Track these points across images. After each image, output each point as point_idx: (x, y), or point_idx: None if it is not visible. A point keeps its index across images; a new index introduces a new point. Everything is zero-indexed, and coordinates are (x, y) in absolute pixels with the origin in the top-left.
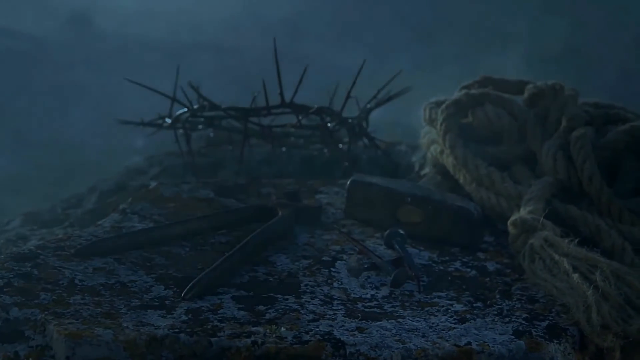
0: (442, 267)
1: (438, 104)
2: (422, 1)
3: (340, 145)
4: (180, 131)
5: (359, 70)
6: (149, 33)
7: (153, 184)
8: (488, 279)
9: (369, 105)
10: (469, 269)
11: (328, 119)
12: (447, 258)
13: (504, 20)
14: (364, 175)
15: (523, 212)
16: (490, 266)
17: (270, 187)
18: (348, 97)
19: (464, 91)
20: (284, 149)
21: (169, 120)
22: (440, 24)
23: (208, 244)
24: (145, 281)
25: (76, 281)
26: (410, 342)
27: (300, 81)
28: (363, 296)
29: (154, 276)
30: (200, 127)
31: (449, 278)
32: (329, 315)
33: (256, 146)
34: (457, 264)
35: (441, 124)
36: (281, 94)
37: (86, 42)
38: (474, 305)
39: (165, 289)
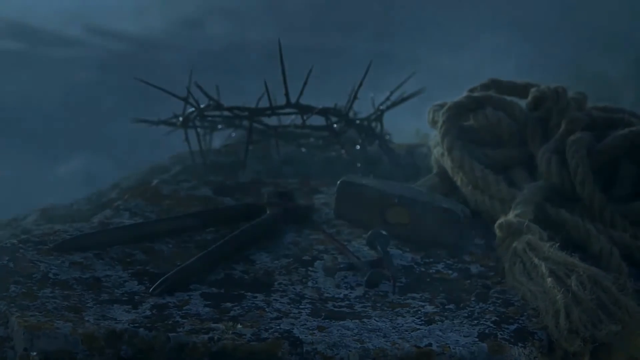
0: (423, 269)
1: (442, 106)
2: (536, 4)
3: (358, 147)
4: (200, 130)
5: (365, 71)
6: (256, 36)
7: (155, 181)
8: (469, 281)
9: (381, 107)
10: (450, 271)
11: (335, 119)
12: (431, 260)
13: (613, 23)
14: (356, 176)
15: (510, 215)
16: (474, 269)
17: (271, 187)
18: (355, 97)
19: (466, 94)
20: (303, 149)
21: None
22: (554, 26)
23: (193, 242)
24: (121, 276)
25: (50, 275)
26: (369, 342)
27: (305, 82)
28: (336, 296)
29: (131, 272)
30: (220, 126)
31: (428, 280)
32: (293, 313)
33: (279, 146)
34: (440, 266)
35: (441, 126)
36: (286, 94)
37: (193, 44)
38: (446, 307)
39: (138, 285)
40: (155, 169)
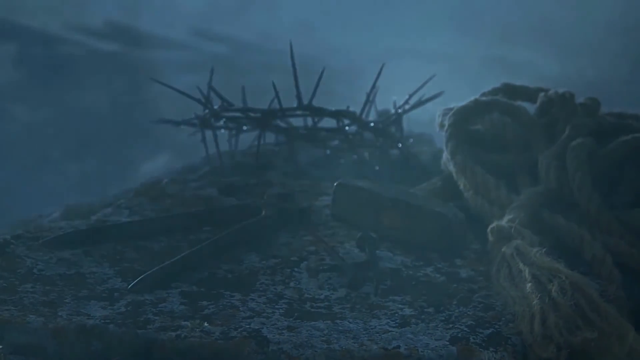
0: (411, 272)
1: (450, 110)
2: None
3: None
4: (222, 131)
5: (377, 74)
6: (361, 40)
7: (164, 180)
8: (455, 285)
9: (400, 110)
10: (439, 275)
11: (348, 122)
12: (421, 263)
13: None
14: (354, 179)
15: (503, 220)
16: (464, 273)
17: (280, 188)
18: (368, 100)
19: (475, 98)
20: (328, 151)
21: None
22: None
23: (186, 240)
24: (106, 273)
25: (35, 270)
26: (336, 342)
27: (317, 84)
28: (316, 297)
29: (117, 269)
30: (245, 128)
31: (413, 283)
32: (266, 313)
33: (306, 148)
34: (429, 270)
35: (446, 131)
36: (298, 96)
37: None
38: (425, 310)
39: (121, 282)
40: (186, 169)
